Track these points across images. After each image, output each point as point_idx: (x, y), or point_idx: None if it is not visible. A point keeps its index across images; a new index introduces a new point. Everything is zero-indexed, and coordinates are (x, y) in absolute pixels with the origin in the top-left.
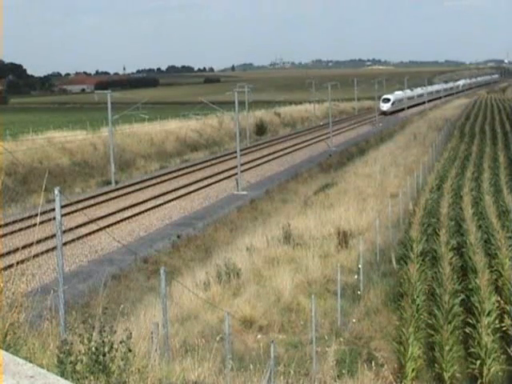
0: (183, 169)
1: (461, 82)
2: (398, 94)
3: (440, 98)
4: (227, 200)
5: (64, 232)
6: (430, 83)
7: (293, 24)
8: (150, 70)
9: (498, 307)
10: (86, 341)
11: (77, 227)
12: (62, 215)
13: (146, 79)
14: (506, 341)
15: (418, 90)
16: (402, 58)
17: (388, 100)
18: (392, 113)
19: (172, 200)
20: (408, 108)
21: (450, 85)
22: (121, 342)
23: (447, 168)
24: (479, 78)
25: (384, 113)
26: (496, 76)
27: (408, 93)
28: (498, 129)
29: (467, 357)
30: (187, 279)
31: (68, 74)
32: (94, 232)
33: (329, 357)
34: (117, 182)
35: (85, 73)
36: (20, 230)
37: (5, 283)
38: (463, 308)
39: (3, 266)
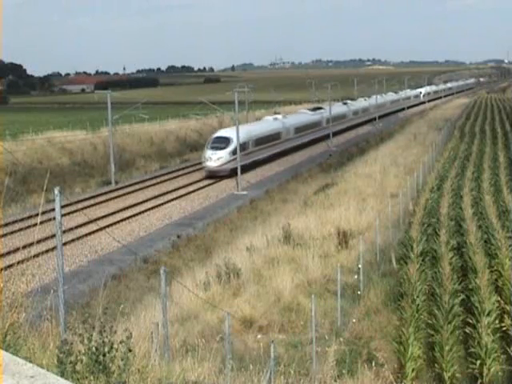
0: (183, 169)
1: (422, 90)
2: (255, 127)
3: (372, 120)
4: (227, 200)
5: (64, 232)
6: (430, 83)
7: (293, 24)
8: (150, 70)
9: (498, 307)
10: (86, 341)
11: (77, 227)
12: (62, 215)
13: (146, 79)
14: (506, 341)
15: (322, 112)
16: (402, 58)
17: (225, 143)
18: (232, 173)
19: (172, 200)
20: (271, 156)
21: (401, 95)
22: (121, 342)
23: (447, 168)
24: (450, 84)
25: (212, 174)
26: (472, 81)
27: (297, 118)
28: (498, 129)
29: (467, 357)
30: (187, 279)
31: (68, 74)
32: (93, 232)
33: (329, 357)
34: (117, 182)
35: (85, 73)
36: (20, 230)
37: (5, 283)
38: (463, 308)
39: (3, 266)
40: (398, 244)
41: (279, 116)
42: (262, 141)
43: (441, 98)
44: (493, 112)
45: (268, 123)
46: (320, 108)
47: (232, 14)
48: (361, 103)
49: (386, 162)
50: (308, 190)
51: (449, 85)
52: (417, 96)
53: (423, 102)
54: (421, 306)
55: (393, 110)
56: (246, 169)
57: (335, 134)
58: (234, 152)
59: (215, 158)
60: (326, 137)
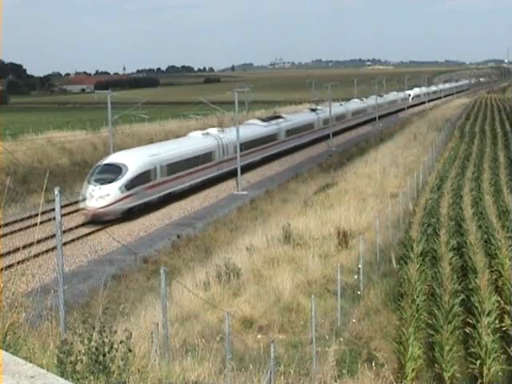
0: None
1: (411, 92)
2: (169, 146)
3: (350, 129)
4: (227, 200)
5: (64, 232)
6: (430, 83)
7: (293, 24)
8: (150, 70)
9: (498, 307)
10: (86, 341)
11: (77, 227)
12: (62, 215)
13: (146, 79)
14: (506, 341)
15: (279, 122)
16: (402, 58)
17: (116, 173)
18: (126, 215)
19: (172, 200)
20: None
21: (386, 98)
22: (121, 342)
23: (447, 168)
24: (442, 86)
25: (95, 218)
26: (466, 82)
27: (240, 132)
28: (498, 129)
29: (467, 357)
30: (187, 279)
31: (68, 74)
32: (94, 232)
33: (329, 357)
34: None
35: (85, 73)
36: (20, 230)
37: (5, 283)
38: (463, 308)
39: (3, 266)
40: (398, 244)
41: (213, 130)
42: (180, 166)
43: (432, 100)
44: (493, 112)
45: (193, 141)
46: (278, 117)
47: (232, 14)
48: (335, 109)
49: (386, 162)
50: (308, 190)
51: (441, 86)
52: (405, 99)
53: (414, 105)
54: (421, 306)
55: (376, 115)
56: (147, 209)
57: (296, 149)
58: (128, 185)
59: (98, 196)
60: (285, 153)
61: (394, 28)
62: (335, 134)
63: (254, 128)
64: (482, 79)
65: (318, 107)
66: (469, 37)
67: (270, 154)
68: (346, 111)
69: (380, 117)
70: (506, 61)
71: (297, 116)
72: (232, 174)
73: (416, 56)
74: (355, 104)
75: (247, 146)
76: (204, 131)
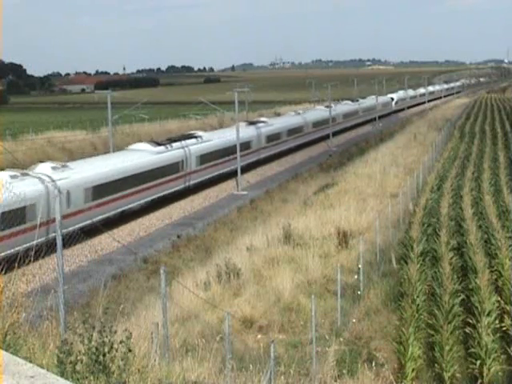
0: None
1: (395, 96)
2: None
3: (308, 144)
4: (227, 200)
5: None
6: (430, 83)
7: (293, 24)
8: (150, 70)
9: (498, 307)
10: (86, 341)
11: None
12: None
13: (146, 79)
14: (506, 341)
15: (187, 145)
16: (402, 58)
17: None
18: None
19: (172, 200)
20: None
21: (362, 104)
22: (121, 342)
23: (447, 168)
24: (432, 88)
25: None
26: (458, 84)
27: (108, 167)
28: (498, 129)
29: (467, 357)
30: (187, 279)
31: (68, 74)
32: (94, 232)
33: (329, 357)
34: None
35: (85, 73)
36: None
37: (5, 283)
38: (463, 308)
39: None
40: (398, 244)
41: (44, 169)
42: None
43: (423, 104)
44: (493, 112)
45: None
46: (190, 137)
47: (232, 14)
48: (288, 119)
49: (385, 161)
50: (308, 190)
51: (430, 88)
52: (387, 104)
53: (397, 111)
54: (421, 306)
55: (347, 125)
56: None
57: (216, 181)
58: None
59: None
60: (200, 186)
61: (395, 28)
62: (287, 153)
63: (136, 157)
64: (481, 79)
65: (262, 119)
66: (469, 37)
67: (172, 191)
68: (305, 122)
69: (353, 126)
70: (506, 61)
71: (223, 133)
72: (86, 234)
73: (416, 56)
74: (318, 112)
75: (122, 186)
76: (20, 171)
